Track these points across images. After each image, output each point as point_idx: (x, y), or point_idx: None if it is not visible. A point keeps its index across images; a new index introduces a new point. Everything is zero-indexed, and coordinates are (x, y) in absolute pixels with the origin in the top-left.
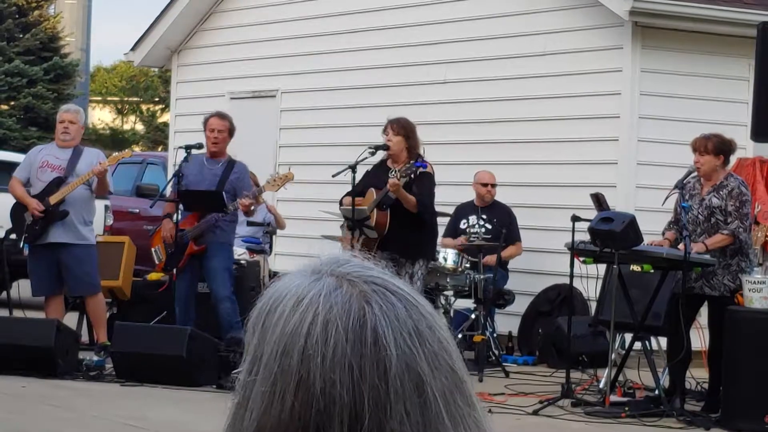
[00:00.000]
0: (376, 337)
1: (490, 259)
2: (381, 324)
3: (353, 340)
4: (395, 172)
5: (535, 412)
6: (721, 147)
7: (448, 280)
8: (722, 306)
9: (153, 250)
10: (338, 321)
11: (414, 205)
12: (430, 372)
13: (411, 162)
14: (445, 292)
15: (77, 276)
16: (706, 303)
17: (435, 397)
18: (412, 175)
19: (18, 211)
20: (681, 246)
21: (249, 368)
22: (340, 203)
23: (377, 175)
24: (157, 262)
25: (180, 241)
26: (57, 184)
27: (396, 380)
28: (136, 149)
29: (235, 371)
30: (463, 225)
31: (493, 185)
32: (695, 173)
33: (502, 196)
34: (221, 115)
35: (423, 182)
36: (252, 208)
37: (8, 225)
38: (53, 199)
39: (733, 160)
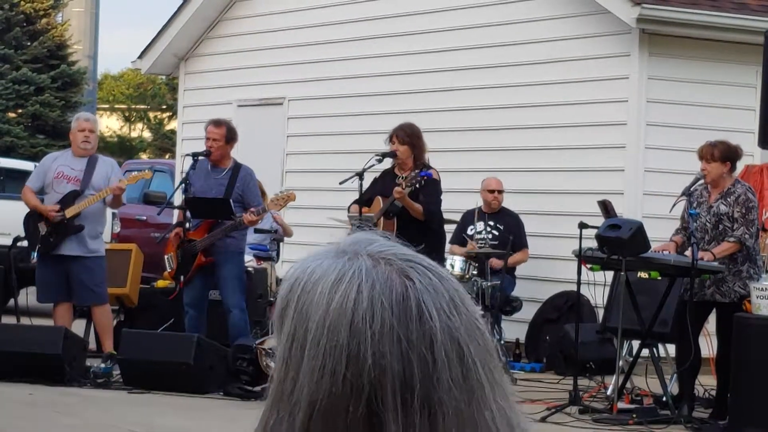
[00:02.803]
0: (421, 310)
1: (497, 261)
2: (423, 297)
3: (398, 314)
4: (401, 179)
5: (543, 419)
6: (728, 154)
7: None
8: (731, 313)
9: (166, 257)
10: (382, 297)
11: (420, 213)
12: (468, 339)
13: (416, 171)
14: None
15: (86, 287)
16: (713, 310)
17: (474, 363)
18: (417, 185)
19: (32, 221)
20: (688, 253)
21: (289, 346)
22: (348, 211)
23: (384, 182)
24: (168, 269)
25: (189, 252)
26: (73, 196)
27: (441, 350)
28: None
29: (245, 376)
30: (470, 231)
31: (500, 192)
32: (702, 180)
33: (509, 203)
34: (217, 123)
35: (429, 189)
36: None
37: (15, 233)
38: (69, 213)
39: (740, 166)
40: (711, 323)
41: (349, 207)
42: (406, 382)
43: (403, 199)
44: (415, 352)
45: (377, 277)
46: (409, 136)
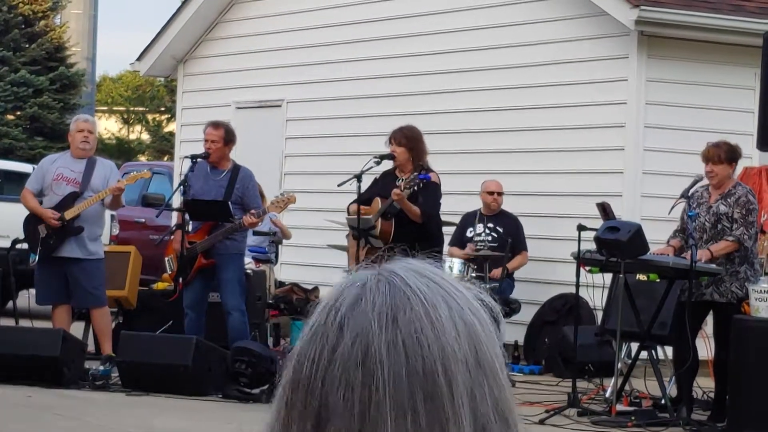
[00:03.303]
0: (340, 318)
1: (497, 272)
2: (348, 309)
3: (326, 321)
4: (400, 182)
5: (542, 422)
6: (732, 154)
7: None
8: (728, 314)
9: (166, 259)
10: (330, 303)
11: (418, 215)
12: (387, 355)
13: (414, 174)
14: None
15: (85, 290)
16: (711, 312)
17: (382, 380)
18: (416, 188)
19: (31, 223)
20: (687, 254)
21: None
22: (347, 211)
23: (384, 183)
24: (168, 271)
25: (190, 253)
26: (73, 198)
27: (342, 356)
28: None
29: (243, 378)
30: (469, 233)
31: (500, 193)
32: (702, 182)
33: (508, 205)
34: (215, 124)
35: (428, 192)
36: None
37: (14, 235)
38: (68, 215)
39: (739, 168)
40: (709, 325)
41: (347, 207)
42: (309, 386)
43: (401, 201)
44: (324, 358)
45: (339, 288)
46: (407, 138)
